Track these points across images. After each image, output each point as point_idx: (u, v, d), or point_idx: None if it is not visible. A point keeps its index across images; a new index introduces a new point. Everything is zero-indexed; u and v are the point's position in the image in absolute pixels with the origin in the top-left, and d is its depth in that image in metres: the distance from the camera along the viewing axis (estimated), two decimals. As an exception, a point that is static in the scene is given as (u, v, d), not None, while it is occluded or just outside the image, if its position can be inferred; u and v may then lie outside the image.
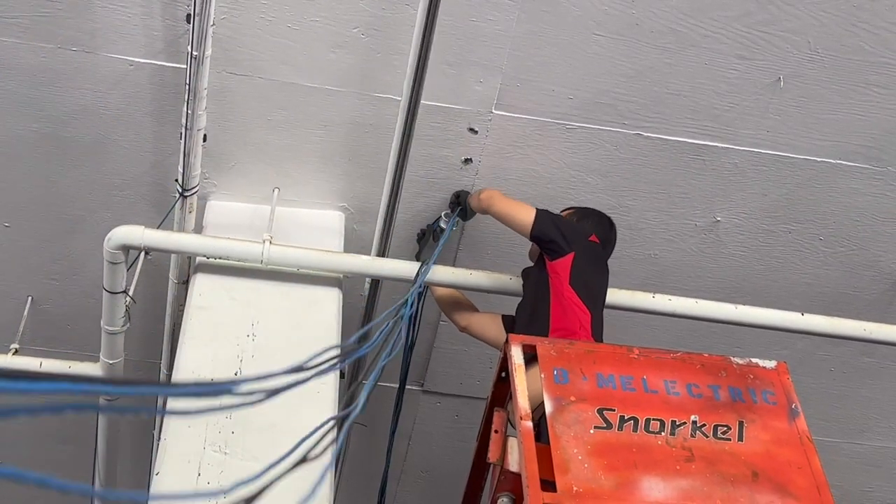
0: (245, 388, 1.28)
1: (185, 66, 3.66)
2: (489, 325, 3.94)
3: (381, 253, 4.19)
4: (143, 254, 4.11)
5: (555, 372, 2.53)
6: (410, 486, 5.76)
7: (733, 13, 3.84)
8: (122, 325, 4.12)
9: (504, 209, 3.86)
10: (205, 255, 4.00)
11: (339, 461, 4.81)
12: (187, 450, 3.26)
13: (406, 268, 4.10)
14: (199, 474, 3.18)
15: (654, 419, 2.46)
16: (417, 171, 4.19)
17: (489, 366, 4.41)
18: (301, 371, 1.58)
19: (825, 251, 4.67)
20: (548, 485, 2.29)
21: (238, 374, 3.57)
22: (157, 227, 4.02)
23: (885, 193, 4.45)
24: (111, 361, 4.26)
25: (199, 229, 4.20)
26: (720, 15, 3.85)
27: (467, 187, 4.28)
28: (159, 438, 3.40)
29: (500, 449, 2.58)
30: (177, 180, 3.97)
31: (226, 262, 3.99)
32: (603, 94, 4.06)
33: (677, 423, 2.47)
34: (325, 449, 1.92)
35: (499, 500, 2.49)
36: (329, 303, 4.00)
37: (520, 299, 3.74)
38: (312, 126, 4.12)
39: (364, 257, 4.14)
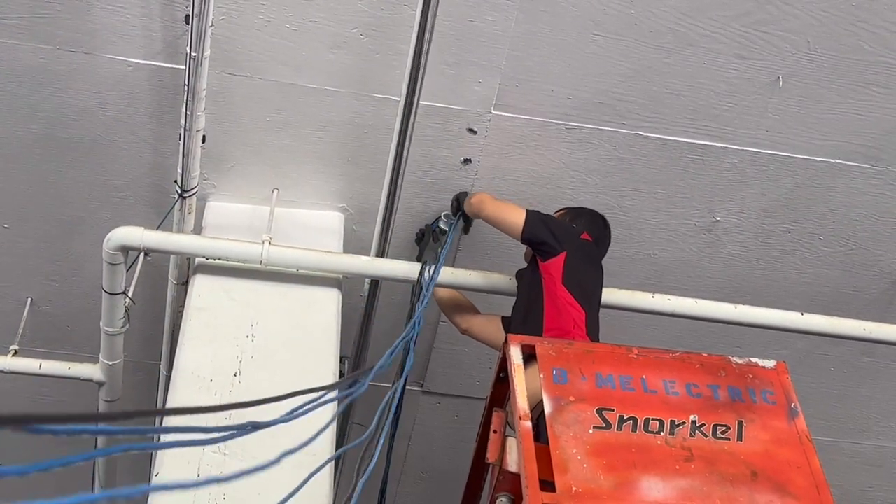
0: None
1: (183, 67, 3.66)
2: (489, 326, 3.94)
3: (381, 253, 4.19)
4: (142, 255, 4.11)
5: (554, 372, 2.53)
6: (410, 486, 5.76)
7: (732, 13, 3.84)
8: (122, 326, 4.12)
9: (494, 212, 3.86)
10: (204, 256, 4.00)
11: (340, 462, 4.81)
12: (186, 451, 3.25)
13: (405, 268, 4.10)
14: (199, 475, 3.18)
15: (653, 419, 2.46)
16: (416, 172, 4.18)
17: (489, 366, 4.41)
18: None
19: (825, 251, 4.66)
20: (547, 485, 2.28)
21: (238, 374, 3.57)
22: (157, 229, 4.02)
23: (884, 193, 4.44)
24: (110, 362, 4.26)
25: (198, 230, 4.20)
26: (719, 15, 3.85)
27: (466, 188, 4.28)
28: (159, 439, 3.41)
29: (498, 449, 2.58)
30: (176, 181, 3.97)
31: (225, 262, 3.99)
32: (602, 94, 4.06)
33: (676, 423, 2.46)
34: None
35: (498, 501, 2.49)
36: (328, 303, 4.00)
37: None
38: (311, 127, 4.12)
39: (363, 258, 4.13)
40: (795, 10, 3.84)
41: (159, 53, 3.87)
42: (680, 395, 2.53)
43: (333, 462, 3.43)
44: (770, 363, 2.68)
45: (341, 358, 4.01)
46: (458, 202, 4.22)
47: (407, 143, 3.84)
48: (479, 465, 2.85)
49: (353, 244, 4.38)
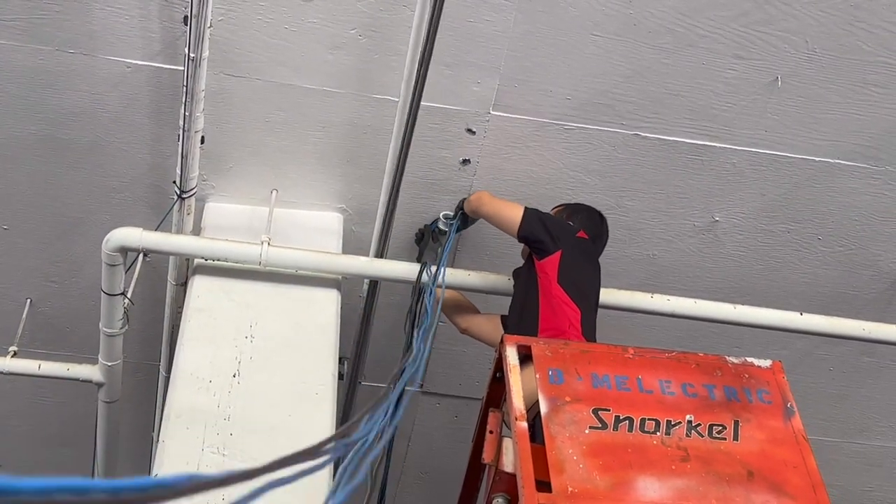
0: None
1: (182, 68, 3.66)
2: (488, 325, 3.94)
3: (380, 254, 4.19)
4: (141, 256, 4.11)
5: (550, 372, 2.53)
6: (410, 486, 5.76)
7: (731, 13, 3.84)
8: (121, 327, 4.13)
9: (492, 210, 3.86)
10: (203, 257, 4.00)
11: (339, 462, 4.81)
12: (186, 452, 3.26)
13: (404, 269, 4.10)
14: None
15: (649, 419, 2.46)
16: (416, 173, 4.19)
17: (488, 366, 4.41)
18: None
19: (824, 251, 4.66)
20: (543, 485, 2.28)
21: (237, 375, 3.57)
22: (156, 230, 4.03)
23: (883, 193, 4.44)
24: (110, 364, 4.27)
25: (197, 231, 4.20)
26: (717, 15, 3.85)
27: (465, 188, 4.28)
28: (158, 440, 3.41)
29: (495, 450, 2.57)
30: (175, 182, 3.97)
31: (224, 263, 3.99)
32: (601, 94, 4.06)
33: (672, 423, 2.46)
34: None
35: (494, 501, 2.48)
36: (327, 304, 4.00)
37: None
38: (310, 127, 4.12)
39: (362, 258, 4.14)
40: (794, 10, 3.84)
41: (158, 54, 3.87)
42: (676, 394, 2.53)
43: (333, 463, 3.44)
44: (766, 363, 2.68)
45: (340, 358, 4.01)
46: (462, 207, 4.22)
47: (406, 143, 3.83)
48: (475, 466, 2.85)
49: (352, 245, 4.38)
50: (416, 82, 3.63)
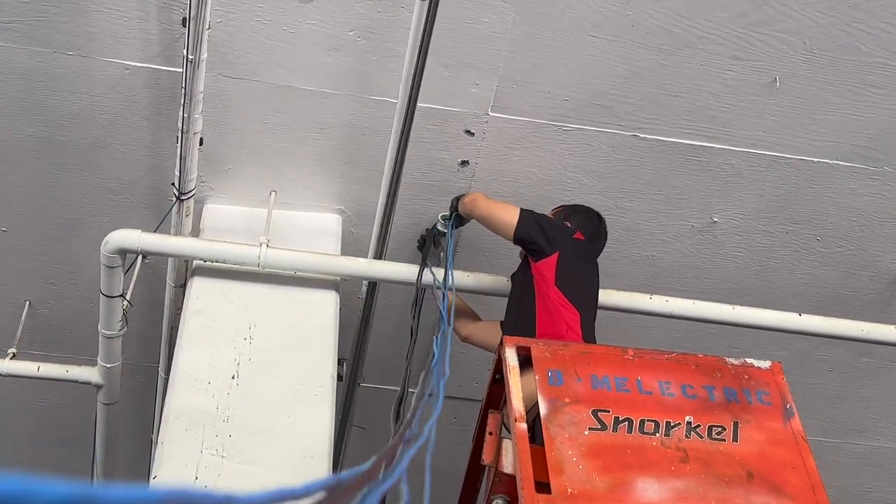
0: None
1: (180, 70, 3.66)
2: (489, 332, 3.93)
3: (379, 256, 4.19)
4: (140, 257, 4.11)
5: (549, 373, 2.53)
6: (409, 488, 5.74)
7: (729, 14, 3.84)
8: (120, 329, 4.13)
9: (487, 212, 3.82)
10: (202, 259, 4.00)
11: (338, 464, 4.81)
12: (185, 453, 3.26)
13: (403, 270, 4.10)
14: (197, 478, 3.18)
15: (648, 420, 2.46)
16: (414, 174, 4.19)
17: (486, 367, 4.41)
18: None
19: (822, 251, 4.66)
20: (542, 486, 2.29)
21: (236, 377, 3.57)
22: (154, 231, 4.03)
23: (881, 193, 4.44)
24: (109, 365, 4.27)
25: (196, 233, 4.20)
26: (716, 16, 3.85)
27: (464, 190, 4.28)
28: (157, 442, 3.41)
29: (494, 451, 2.58)
30: (173, 184, 3.97)
31: (223, 265, 3.99)
32: (599, 95, 4.06)
33: (672, 424, 2.47)
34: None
35: (494, 502, 2.49)
36: (326, 306, 4.00)
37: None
38: (309, 129, 4.12)
39: (361, 260, 4.13)
40: (792, 11, 3.84)
41: (156, 56, 3.87)
42: (675, 396, 2.53)
43: (332, 464, 3.44)
44: (765, 364, 2.68)
45: (339, 360, 4.01)
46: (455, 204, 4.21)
47: (404, 145, 3.83)
48: (475, 467, 2.85)
49: (350, 246, 4.38)
50: (413, 83, 3.64)
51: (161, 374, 4.66)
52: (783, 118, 4.16)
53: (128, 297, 4.08)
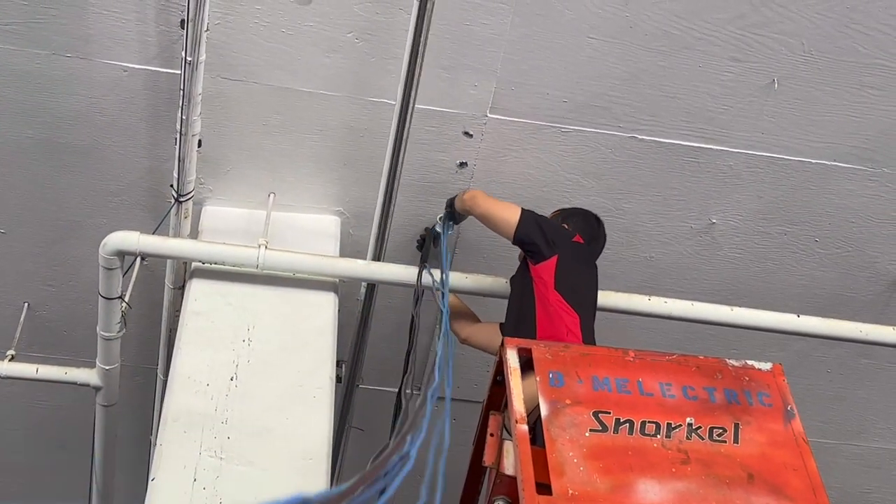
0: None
1: (179, 72, 3.65)
2: (488, 334, 3.92)
3: (377, 257, 4.19)
4: (138, 259, 4.10)
5: (550, 375, 2.53)
6: (408, 489, 5.74)
7: (727, 15, 3.85)
8: (119, 331, 4.12)
9: (488, 209, 3.79)
10: (200, 261, 4.00)
11: (338, 466, 4.80)
12: (183, 455, 3.26)
13: (402, 272, 4.10)
14: (195, 479, 3.18)
15: (649, 422, 2.46)
16: (412, 175, 4.18)
17: (486, 369, 4.41)
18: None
19: (821, 253, 4.67)
20: (543, 488, 2.29)
21: (234, 378, 3.57)
22: (153, 233, 4.02)
23: (880, 195, 4.45)
24: (107, 367, 4.26)
25: (194, 234, 4.20)
26: (714, 17, 3.85)
27: (462, 191, 4.28)
28: (156, 444, 3.41)
29: (495, 452, 2.58)
30: (172, 186, 3.97)
31: (221, 267, 3.99)
32: (597, 96, 4.06)
33: (673, 426, 2.47)
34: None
35: (495, 504, 2.49)
36: (325, 307, 4.00)
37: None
38: (307, 130, 4.12)
39: (360, 261, 4.13)
40: (790, 12, 3.84)
41: (155, 58, 3.87)
42: (676, 397, 2.53)
43: (330, 466, 3.44)
44: (766, 365, 2.69)
45: (338, 362, 4.01)
46: (450, 205, 4.20)
47: (403, 146, 3.83)
48: (476, 469, 2.85)
49: (349, 248, 4.38)
50: (411, 85, 3.64)
51: (160, 375, 4.66)
52: (781, 119, 4.16)
53: (126, 298, 4.08)
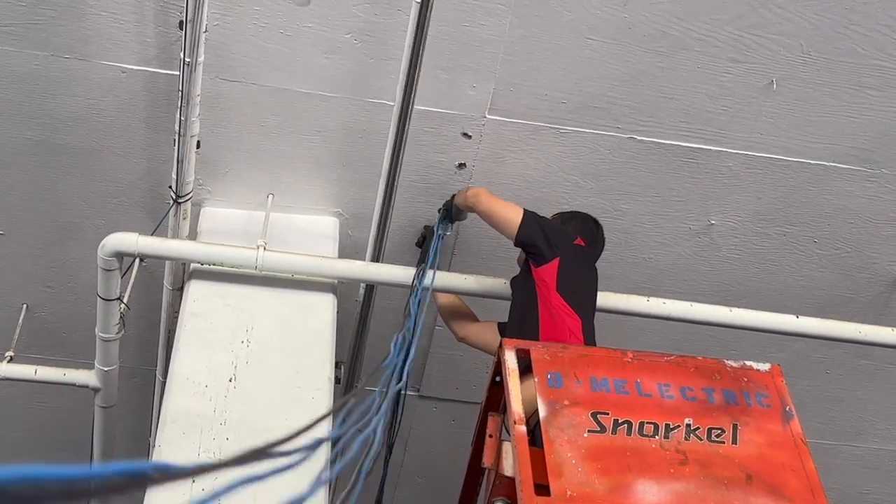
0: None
1: (178, 73, 3.66)
2: (486, 333, 3.92)
3: (376, 258, 4.19)
4: (137, 261, 4.11)
5: (548, 376, 2.53)
6: (407, 490, 5.75)
7: (726, 16, 3.85)
8: (117, 332, 4.12)
9: (490, 208, 3.80)
10: (199, 262, 3.99)
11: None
12: (182, 456, 3.25)
13: (400, 273, 4.09)
14: (194, 480, 3.17)
15: (647, 422, 2.46)
16: (411, 177, 4.18)
17: (485, 370, 4.41)
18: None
19: (820, 253, 4.67)
20: (542, 489, 2.29)
21: (233, 379, 3.57)
22: (152, 234, 4.02)
23: (878, 195, 4.45)
24: (106, 368, 4.26)
25: (193, 236, 4.20)
26: (712, 18, 3.85)
27: (464, 188, 4.27)
28: (155, 445, 3.40)
29: (494, 453, 2.58)
30: (171, 187, 3.97)
31: (220, 268, 3.99)
32: (596, 97, 4.06)
33: (671, 427, 2.47)
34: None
35: (493, 505, 2.49)
36: (324, 308, 4.00)
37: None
38: (306, 132, 4.12)
39: (358, 263, 4.13)
40: (789, 13, 3.84)
41: (153, 59, 3.87)
42: (675, 398, 2.53)
43: (330, 468, 3.43)
44: (764, 366, 2.69)
45: (337, 363, 4.01)
46: (447, 206, 4.19)
47: (401, 147, 3.83)
48: (474, 470, 2.85)
49: (348, 249, 4.38)
50: (410, 86, 3.64)
51: (158, 377, 4.66)
52: (780, 120, 4.17)
53: (125, 300, 4.08)
